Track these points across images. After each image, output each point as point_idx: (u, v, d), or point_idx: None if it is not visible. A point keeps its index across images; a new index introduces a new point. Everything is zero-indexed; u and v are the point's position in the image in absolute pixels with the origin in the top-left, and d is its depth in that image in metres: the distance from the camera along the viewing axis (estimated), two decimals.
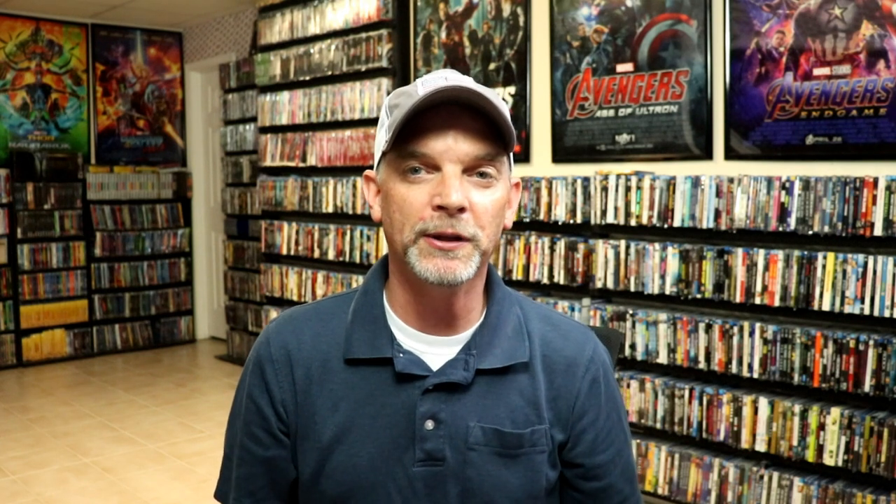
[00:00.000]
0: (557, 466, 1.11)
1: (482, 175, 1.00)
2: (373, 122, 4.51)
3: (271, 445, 1.09)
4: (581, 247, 3.39)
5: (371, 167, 1.22)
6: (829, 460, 2.69)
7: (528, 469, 1.07)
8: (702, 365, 3.01)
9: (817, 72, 2.83)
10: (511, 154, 1.07)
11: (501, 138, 1.01)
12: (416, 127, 0.98)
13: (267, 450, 1.09)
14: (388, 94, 4.36)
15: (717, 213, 2.96)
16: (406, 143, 0.99)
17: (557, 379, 1.10)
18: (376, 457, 1.05)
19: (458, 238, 0.98)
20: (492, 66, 3.96)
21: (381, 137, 1.05)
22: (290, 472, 1.10)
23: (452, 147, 0.98)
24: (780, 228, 2.81)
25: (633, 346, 3.20)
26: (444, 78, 1.01)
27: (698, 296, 3.02)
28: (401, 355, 1.05)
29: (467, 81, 1.01)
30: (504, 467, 1.06)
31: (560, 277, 3.47)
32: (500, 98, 1.06)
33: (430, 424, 1.04)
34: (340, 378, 1.07)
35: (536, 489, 1.08)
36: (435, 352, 1.07)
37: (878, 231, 2.59)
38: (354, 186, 4.55)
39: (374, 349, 1.06)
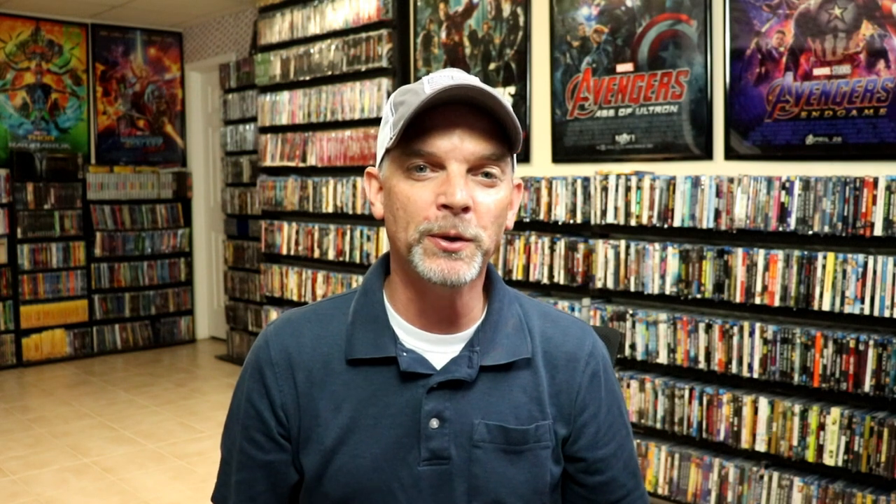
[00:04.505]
0: (561, 462, 1.11)
1: (487, 175, 1.00)
2: (373, 122, 4.51)
3: (271, 450, 1.08)
4: (581, 247, 3.39)
5: (372, 165, 1.22)
6: (829, 460, 2.69)
7: (534, 465, 1.07)
8: (702, 365, 3.01)
9: (817, 72, 2.83)
10: (515, 155, 1.07)
11: (507, 139, 1.01)
12: (421, 125, 0.98)
13: (267, 454, 1.08)
14: (389, 94, 4.39)
15: (717, 213, 2.97)
16: (411, 141, 0.99)
17: (559, 374, 1.11)
18: (380, 457, 1.04)
19: (460, 238, 0.98)
20: (492, 66, 3.96)
21: (386, 134, 1.04)
22: (290, 476, 1.09)
23: (458, 146, 0.98)
24: (780, 228, 2.81)
25: (633, 346, 3.20)
26: (450, 77, 1.01)
27: (698, 296, 3.02)
28: (405, 354, 1.05)
29: (474, 81, 1.01)
30: (509, 464, 1.06)
31: (560, 277, 3.47)
32: (506, 98, 1.06)
33: (435, 423, 1.04)
34: (342, 379, 1.06)
35: (541, 485, 1.08)
36: (437, 350, 1.07)
37: (878, 231, 2.59)
38: (354, 186, 4.55)
39: (378, 348, 1.05)
